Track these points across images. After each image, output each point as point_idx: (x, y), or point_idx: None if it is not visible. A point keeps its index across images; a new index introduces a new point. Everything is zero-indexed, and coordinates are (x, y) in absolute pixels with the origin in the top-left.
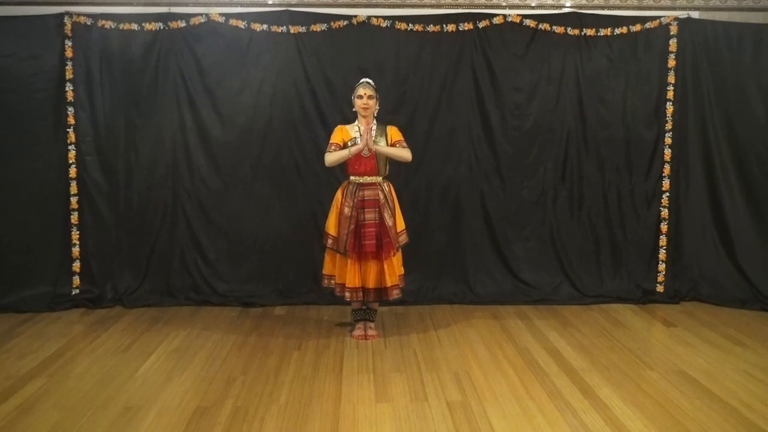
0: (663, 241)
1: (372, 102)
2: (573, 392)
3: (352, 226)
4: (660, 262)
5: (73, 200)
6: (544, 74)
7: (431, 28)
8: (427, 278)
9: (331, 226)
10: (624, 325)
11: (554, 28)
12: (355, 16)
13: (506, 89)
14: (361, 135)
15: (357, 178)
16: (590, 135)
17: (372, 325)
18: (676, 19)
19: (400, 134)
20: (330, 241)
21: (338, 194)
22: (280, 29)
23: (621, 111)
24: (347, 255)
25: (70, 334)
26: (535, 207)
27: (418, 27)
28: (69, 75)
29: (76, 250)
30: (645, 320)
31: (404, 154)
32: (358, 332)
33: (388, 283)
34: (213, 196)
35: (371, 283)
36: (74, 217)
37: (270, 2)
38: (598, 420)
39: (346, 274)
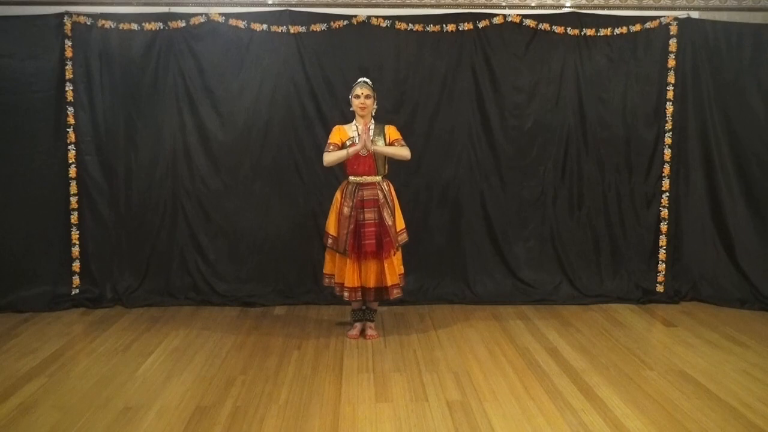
0: (663, 241)
1: (369, 101)
2: (573, 392)
3: (352, 226)
4: (660, 262)
5: (73, 200)
6: (544, 74)
7: (431, 28)
8: (427, 278)
9: (330, 226)
10: (624, 325)
11: (554, 28)
12: (355, 16)
13: (506, 89)
14: (359, 135)
15: (356, 178)
16: (590, 135)
17: (372, 324)
18: (675, 19)
19: (398, 133)
20: (330, 241)
21: (337, 194)
22: (280, 29)
23: (621, 111)
24: (347, 255)
25: (70, 334)
26: (535, 207)
27: (418, 27)
28: (69, 75)
29: (76, 250)
30: (645, 320)
31: (403, 152)
32: (353, 332)
33: (389, 282)
34: (213, 196)
35: (371, 283)
36: (74, 217)
37: (270, 2)
38: (598, 420)
39: (345, 273)
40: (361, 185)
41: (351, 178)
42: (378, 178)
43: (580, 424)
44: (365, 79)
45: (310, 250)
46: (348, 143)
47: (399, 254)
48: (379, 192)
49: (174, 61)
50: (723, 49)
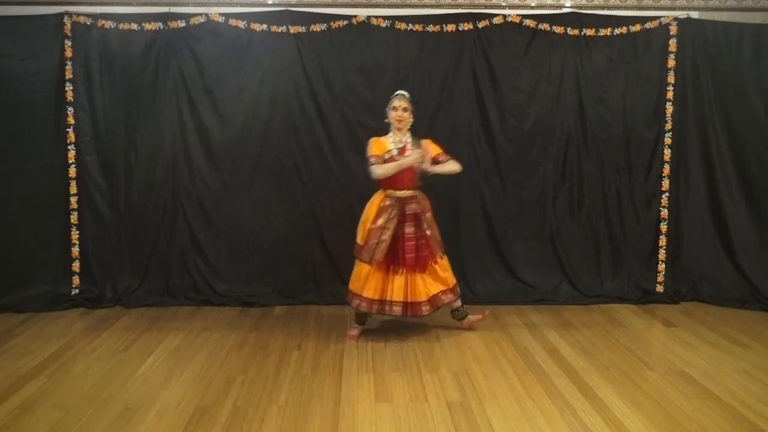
0: (663, 241)
1: (407, 114)
2: (573, 392)
3: (385, 237)
4: (660, 262)
5: (73, 200)
6: (544, 74)
7: (431, 28)
8: None
9: (360, 236)
10: (624, 325)
11: (554, 28)
12: (355, 16)
13: (506, 89)
14: (408, 150)
15: (397, 192)
16: (590, 135)
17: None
18: (675, 19)
19: (438, 147)
20: (356, 249)
21: (372, 206)
22: (280, 29)
23: (621, 111)
24: (371, 263)
25: (70, 334)
26: (535, 207)
27: (418, 27)
28: (69, 75)
29: (76, 250)
30: (645, 320)
31: (456, 168)
32: (354, 332)
33: (436, 290)
34: (213, 196)
35: (423, 296)
36: (74, 217)
37: (270, 2)
38: (598, 420)
39: (366, 283)
40: (401, 199)
41: (391, 191)
42: (417, 192)
43: (580, 424)
44: (403, 92)
45: (310, 250)
46: (387, 156)
47: (446, 262)
48: (418, 205)
49: (174, 61)
50: (723, 49)
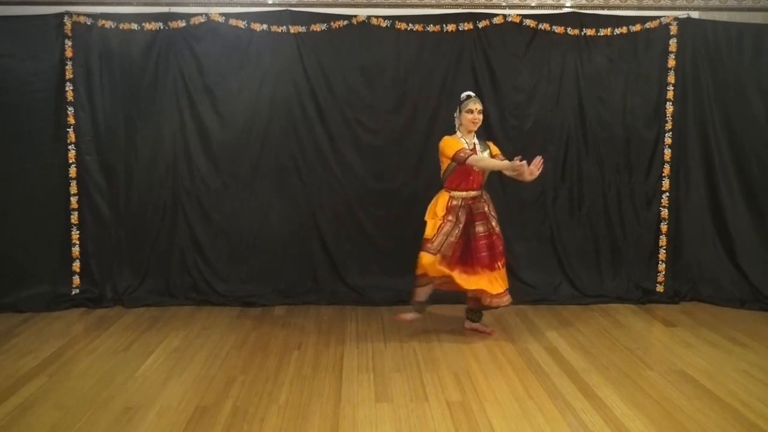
0: (663, 241)
1: (481, 117)
2: (573, 392)
3: (452, 238)
4: (660, 262)
5: (73, 200)
6: (544, 74)
7: (431, 28)
8: None
9: (429, 229)
10: (624, 325)
11: (554, 28)
12: (355, 16)
13: (506, 89)
14: (477, 151)
15: (461, 193)
16: (590, 135)
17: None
18: (676, 19)
19: (498, 150)
20: (424, 242)
21: (440, 203)
22: (280, 29)
23: (621, 111)
24: (435, 255)
25: (70, 334)
26: (535, 207)
27: (418, 27)
28: (69, 75)
29: (76, 250)
30: (645, 320)
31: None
32: (408, 316)
33: (494, 291)
34: (213, 196)
35: (480, 286)
36: (74, 217)
37: (270, 2)
38: (598, 420)
39: (434, 269)
40: (467, 199)
41: (455, 193)
42: (481, 192)
43: (580, 424)
44: (473, 93)
45: (310, 250)
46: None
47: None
48: (484, 205)
49: (174, 61)
50: (723, 49)
